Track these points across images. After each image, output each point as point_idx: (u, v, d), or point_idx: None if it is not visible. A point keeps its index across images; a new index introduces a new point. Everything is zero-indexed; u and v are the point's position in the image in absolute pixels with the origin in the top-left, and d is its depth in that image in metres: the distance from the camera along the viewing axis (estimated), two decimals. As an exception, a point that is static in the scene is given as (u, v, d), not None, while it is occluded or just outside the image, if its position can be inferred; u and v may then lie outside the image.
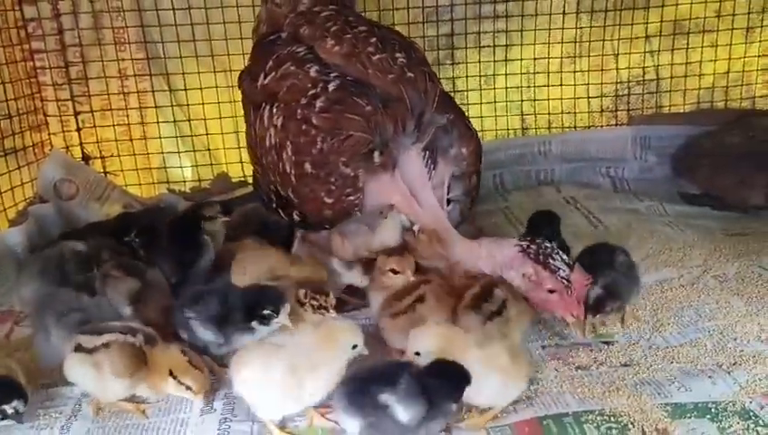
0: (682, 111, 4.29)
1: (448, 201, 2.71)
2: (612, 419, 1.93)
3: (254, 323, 2.15)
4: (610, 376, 2.14)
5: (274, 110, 2.65)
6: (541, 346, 2.35)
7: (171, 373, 2.02)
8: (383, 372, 1.84)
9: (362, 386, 1.81)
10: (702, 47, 4.18)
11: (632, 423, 1.90)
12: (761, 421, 1.87)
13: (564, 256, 2.27)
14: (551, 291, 2.22)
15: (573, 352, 2.29)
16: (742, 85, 4.28)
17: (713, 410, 1.94)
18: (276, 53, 2.77)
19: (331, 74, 2.55)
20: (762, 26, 4.15)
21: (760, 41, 4.20)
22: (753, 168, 3.66)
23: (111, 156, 4.03)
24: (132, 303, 2.41)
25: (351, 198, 2.49)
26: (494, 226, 3.53)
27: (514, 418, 1.97)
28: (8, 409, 1.95)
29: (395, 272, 2.37)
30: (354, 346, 1.95)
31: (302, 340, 1.98)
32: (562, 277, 2.20)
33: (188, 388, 2.01)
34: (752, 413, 1.91)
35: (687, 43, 4.18)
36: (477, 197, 2.92)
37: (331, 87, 2.52)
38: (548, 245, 2.28)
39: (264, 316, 2.13)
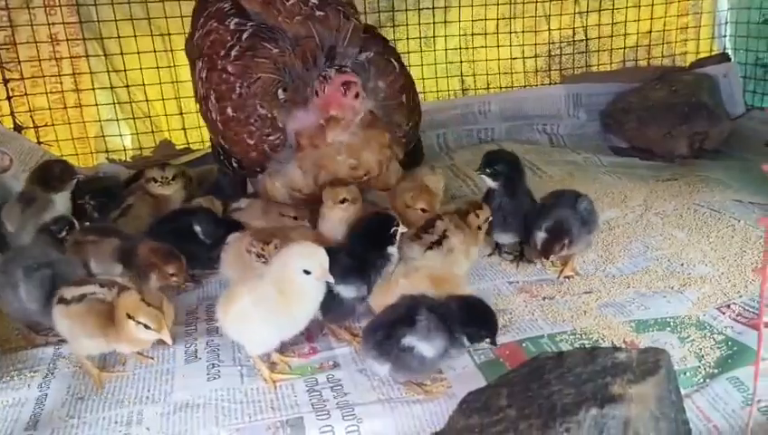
0: (609, 69, 4.52)
1: None
2: (584, 336, 2.09)
3: (389, 248, 2.15)
4: (575, 302, 2.31)
5: (201, 64, 2.81)
6: (507, 282, 2.49)
7: (128, 316, 1.97)
8: (401, 314, 1.88)
9: (386, 333, 1.85)
10: (626, 8, 4.43)
11: (602, 338, 2.06)
12: (715, 330, 2.08)
13: (345, 67, 2.42)
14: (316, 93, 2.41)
15: (538, 286, 2.46)
16: (663, 44, 4.56)
17: (671, 323, 2.13)
18: (207, 10, 2.88)
19: (248, 24, 2.68)
20: (680, -13, 4.44)
21: (678, 1, 4.48)
22: (677, 121, 3.92)
23: (45, 125, 3.86)
24: (121, 260, 2.36)
25: (272, 138, 2.59)
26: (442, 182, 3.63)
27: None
28: None
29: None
30: (306, 272, 1.92)
31: (273, 267, 2.00)
32: (321, 75, 2.40)
33: (147, 326, 1.96)
34: (707, 324, 2.11)
35: (613, 4, 4.43)
36: (416, 132, 3.00)
37: (244, 36, 2.65)
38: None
39: (393, 234, 2.15)
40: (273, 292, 1.92)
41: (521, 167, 2.70)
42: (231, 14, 2.76)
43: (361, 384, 1.95)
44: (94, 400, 1.96)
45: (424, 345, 1.82)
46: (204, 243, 2.60)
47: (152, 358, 2.15)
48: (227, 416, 1.84)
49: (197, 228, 2.63)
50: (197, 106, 2.98)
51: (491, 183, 2.60)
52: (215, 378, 2.01)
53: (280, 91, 2.56)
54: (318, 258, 1.93)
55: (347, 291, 2.07)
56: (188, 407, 1.89)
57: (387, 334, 1.85)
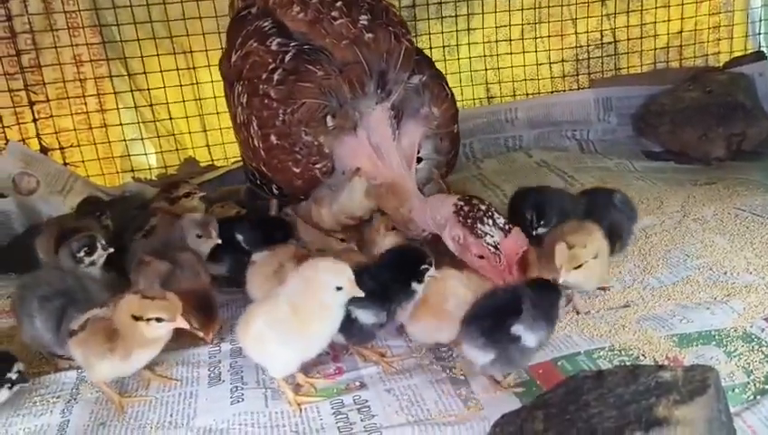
0: (640, 71, 4.40)
1: (419, 160, 2.68)
2: (623, 352, 1.98)
3: (414, 284, 2.02)
4: (612, 317, 2.20)
5: (240, 88, 2.66)
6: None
7: (135, 317, 1.91)
8: (507, 301, 1.86)
9: (495, 321, 1.84)
10: (656, 8, 4.31)
11: (643, 355, 1.95)
12: (764, 342, 1.96)
13: (500, 220, 2.11)
14: (480, 257, 2.11)
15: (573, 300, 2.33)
16: (695, 44, 4.43)
17: (716, 336, 2.01)
18: (245, 29, 2.73)
19: (291, 44, 2.53)
20: (711, -15, 4.31)
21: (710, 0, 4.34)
22: (712, 122, 3.80)
23: (71, 146, 3.87)
24: (163, 286, 2.28)
25: (318, 165, 2.50)
26: (471, 192, 3.55)
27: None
28: (12, 375, 1.93)
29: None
30: (338, 288, 1.86)
31: (291, 286, 1.93)
32: (488, 244, 2.07)
33: (159, 319, 1.91)
34: (754, 336, 1.99)
35: (642, 5, 4.31)
36: (456, 158, 2.92)
37: (287, 58, 2.50)
38: (482, 207, 2.13)
39: (422, 272, 2.01)
40: (288, 312, 1.86)
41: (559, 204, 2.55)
42: (272, 33, 2.60)
43: (389, 405, 1.87)
44: (116, 426, 1.91)
45: (529, 335, 1.82)
46: (248, 251, 2.54)
47: (178, 380, 2.10)
48: (251, 441, 1.78)
49: (239, 237, 2.61)
50: (236, 130, 2.84)
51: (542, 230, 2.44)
52: (238, 401, 1.95)
53: (329, 118, 2.44)
54: (347, 273, 1.87)
55: (365, 316, 1.98)
56: (211, 432, 1.83)
57: (496, 323, 1.83)
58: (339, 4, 2.57)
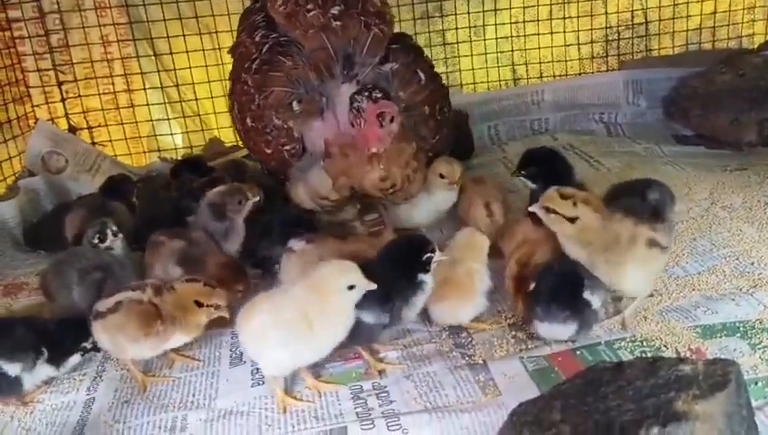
0: (671, 53, 4.29)
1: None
2: (645, 343, 1.97)
3: (420, 276, 1.99)
4: (636, 307, 2.16)
5: (231, 75, 2.96)
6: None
7: (197, 303, 2.00)
8: (568, 273, 1.98)
9: (569, 293, 1.95)
10: (689, -12, 4.19)
11: (665, 346, 1.93)
12: (789, 335, 1.91)
13: (376, 93, 2.33)
14: (352, 125, 2.36)
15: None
16: (728, 25, 4.31)
17: (741, 328, 1.98)
18: (245, 21, 2.95)
19: (271, 36, 2.72)
20: (747, -36, 4.17)
21: (745, -21, 4.22)
22: (745, 106, 3.69)
23: (99, 126, 3.94)
24: (181, 263, 2.36)
25: (287, 147, 2.64)
26: (495, 176, 3.51)
27: (547, 350, 1.99)
28: (87, 345, 2.06)
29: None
30: (351, 287, 1.83)
31: (301, 292, 1.87)
32: (354, 108, 2.33)
33: (217, 307, 2.02)
34: (780, 329, 1.95)
35: (674, -16, 4.19)
36: (443, 143, 2.86)
37: (264, 49, 2.70)
38: (369, 86, 2.37)
39: (426, 261, 1.99)
40: (296, 315, 1.80)
41: (562, 165, 2.53)
42: (260, 26, 2.80)
43: (408, 392, 1.89)
44: (140, 404, 1.96)
45: (594, 298, 1.96)
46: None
47: (200, 360, 2.14)
48: (270, 425, 1.81)
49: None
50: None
51: (530, 184, 2.49)
52: (258, 384, 1.98)
53: (295, 103, 2.59)
54: (356, 271, 1.84)
55: (365, 316, 1.92)
56: (232, 414, 1.86)
57: (571, 294, 1.94)
58: None
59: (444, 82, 3.01)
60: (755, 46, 4.28)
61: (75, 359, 2.07)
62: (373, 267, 1.92)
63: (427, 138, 2.72)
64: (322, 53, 2.58)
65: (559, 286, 1.97)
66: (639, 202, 2.27)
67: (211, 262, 2.36)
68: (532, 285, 2.00)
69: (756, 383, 1.74)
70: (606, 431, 1.36)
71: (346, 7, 2.65)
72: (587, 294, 1.95)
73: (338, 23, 2.61)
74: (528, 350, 1.99)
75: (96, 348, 2.07)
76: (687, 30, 4.29)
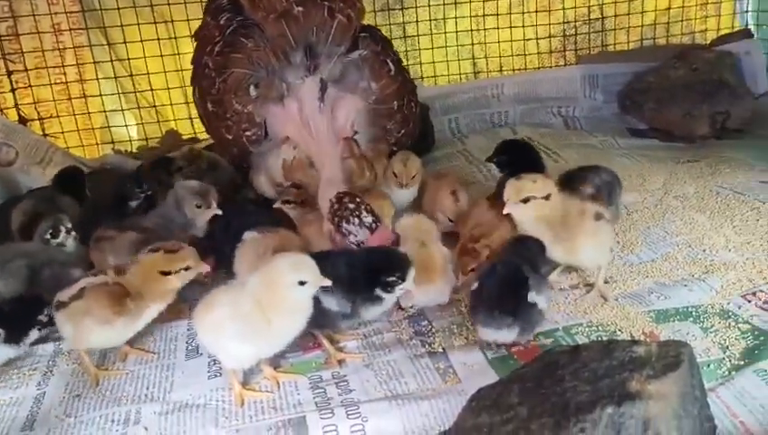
0: (627, 48, 4.38)
1: (356, 133, 2.69)
2: (600, 328, 1.99)
3: (378, 291, 1.93)
4: (591, 293, 2.19)
5: (194, 61, 2.88)
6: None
7: (163, 272, 1.95)
8: (511, 274, 1.89)
9: (516, 297, 1.86)
10: (644, -16, 4.27)
11: (620, 330, 1.97)
12: (740, 319, 1.97)
13: (367, 218, 2.14)
14: None
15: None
16: (682, 21, 4.41)
17: (693, 313, 2.02)
18: (214, 3, 2.85)
19: (236, 19, 2.66)
20: (699, -39, 4.27)
21: (698, -24, 4.32)
22: (697, 100, 3.78)
23: (50, 117, 3.82)
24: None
25: (248, 133, 2.60)
26: (455, 168, 3.53)
27: (506, 337, 2.00)
28: (43, 317, 2.05)
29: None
30: (302, 282, 1.77)
31: (256, 283, 1.81)
32: (352, 243, 2.14)
33: (187, 268, 1.97)
34: (731, 313, 2.00)
35: (630, -19, 4.26)
36: (410, 137, 2.89)
37: (227, 32, 2.64)
38: (351, 205, 2.15)
39: (389, 283, 1.92)
40: (252, 308, 1.75)
41: (533, 157, 2.60)
42: (226, 9, 2.74)
43: (368, 381, 1.88)
44: (92, 397, 1.90)
45: (540, 298, 1.89)
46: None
47: (155, 353, 2.09)
48: (228, 417, 1.77)
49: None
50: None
51: (498, 171, 2.57)
52: (215, 376, 1.94)
53: (252, 87, 2.55)
54: (309, 265, 1.79)
55: (328, 301, 1.89)
56: (188, 407, 1.82)
57: (515, 298, 1.86)
58: None
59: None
60: (708, 42, 4.38)
61: (34, 334, 2.07)
62: (351, 258, 1.91)
63: (392, 131, 2.72)
64: (281, 40, 2.54)
65: (502, 291, 1.88)
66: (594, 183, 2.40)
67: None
68: (475, 285, 1.94)
69: (709, 366, 1.78)
70: (562, 412, 1.37)
71: None
72: (532, 296, 1.87)
73: (300, 8, 2.56)
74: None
75: (52, 322, 2.03)
76: (642, 26, 4.37)
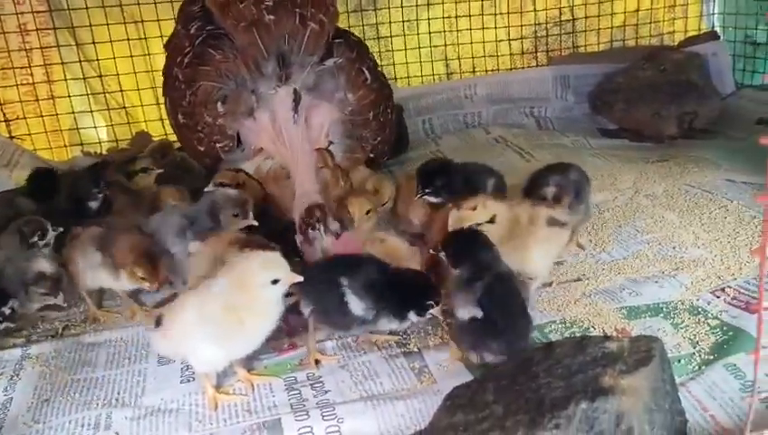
0: (597, 49, 4.43)
1: (330, 142, 2.66)
2: (574, 325, 2.01)
3: (411, 313, 1.88)
4: (565, 291, 2.23)
5: (164, 69, 2.84)
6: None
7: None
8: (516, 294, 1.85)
9: (523, 320, 1.82)
10: (613, -14, 4.33)
11: (593, 327, 1.99)
12: (710, 314, 2.00)
13: (333, 225, 2.18)
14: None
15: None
16: (650, 23, 4.47)
17: (664, 309, 2.05)
18: (185, 11, 2.82)
19: (206, 29, 2.61)
20: (667, -36, 4.35)
21: (666, -21, 4.39)
22: (666, 100, 3.83)
23: (17, 118, 3.73)
24: (100, 248, 2.26)
25: (221, 144, 2.57)
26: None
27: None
28: (6, 310, 2.03)
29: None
30: (275, 281, 1.75)
31: (224, 282, 1.77)
32: (318, 249, 2.18)
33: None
34: (701, 309, 2.04)
35: (599, -17, 4.32)
36: (386, 145, 2.87)
37: (197, 42, 2.59)
38: (318, 214, 2.19)
39: (425, 307, 1.87)
40: (221, 309, 1.72)
41: (455, 173, 2.51)
42: (197, 18, 2.68)
43: (343, 381, 1.87)
44: (61, 402, 1.87)
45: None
46: None
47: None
48: (201, 421, 1.75)
49: None
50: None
51: (435, 200, 2.43)
52: (188, 380, 1.92)
53: (219, 103, 2.52)
54: (280, 263, 1.77)
55: (355, 305, 1.84)
56: (160, 411, 1.80)
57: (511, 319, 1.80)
58: None
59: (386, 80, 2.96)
60: (676, 43, 4.45)
61: None
62: (390, 269, 1.89)
63: (368, 139, 2.69)
64: (252, 50, 2.48)
65: (507, 322, 1.79)
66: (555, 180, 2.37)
67: (122, 243, 2.24)
68: (475, 314, 1.80)
69: (680, 361, 1.81)
70: (537, 409, 1.38)
71: None
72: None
73: (271, 17, 2.49)
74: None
75: (12, 316, 2.05)
76: (612, 27, 4.43)
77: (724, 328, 1.93)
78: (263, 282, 1.74)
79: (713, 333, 1.92)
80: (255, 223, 2.32)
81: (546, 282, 2.24)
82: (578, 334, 1.94)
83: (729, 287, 2.12)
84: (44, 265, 2.20)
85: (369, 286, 1.84)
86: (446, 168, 2.52)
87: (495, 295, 1.80)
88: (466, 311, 1.80)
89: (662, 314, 2.02)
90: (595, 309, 2.08)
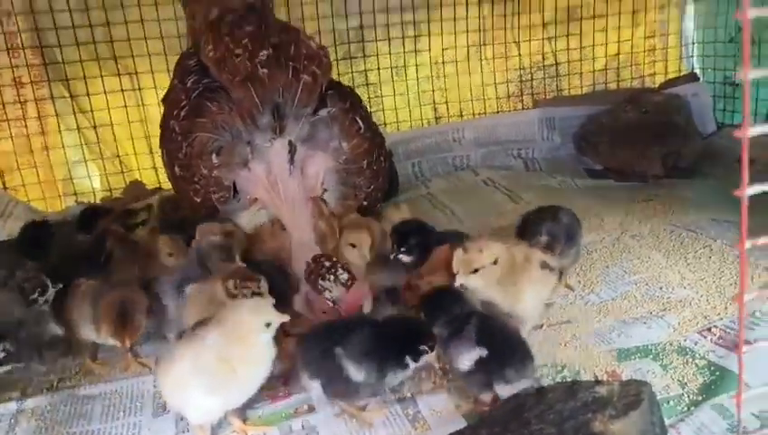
0: (580, 92, 4.55)
1: (325, 191, 2.69)
2: (565, 369, 2.04)
3: (408, 359, 1.88)
4: (555, 333, 2.26)
5: (162, 123, 2.87)
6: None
7: None
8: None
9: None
10: (594, 32, 4.47)
11: (584, 369, 2.01)
12: (697, 355, 2.04)
13: (342, 275, 2.19)
14: (323, 311, 2.22)
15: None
16: (631, 66, 4.61)
17: (653, 350, 2.09)
18: (181, 66, 2.89)
19: (202, 82, 2.66)
20: (646, 9, 4.50)
21: (645, 23, 4.53)
22: (649, 141, 3.92)
23: (11, 170, 3.77)
24: (92, 304, 2.27)
25: (216, 195, 2.60)
26: (420, 213, 3.58)
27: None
28: None
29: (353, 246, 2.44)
30: (268, 324, 1.81)
31: (216, 333, 1.81)
32: (328, 299, 2.19)
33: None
34: (688, 350, 2.07)
35: (580, 29, 4.46)
36: (379, 192, 2.90)
37: (193, 96, 2.64)
38: (327, 264, 2.22)
39: (420, 351, 1.88)
40: (214, 360, 1.75)
41: (428, 232, 2.56)
42: (193, 71, 2.74)
43: (338, 430, 1.88)
44: (56, 457, 1.87)
45: None
46: None
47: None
48: (196, 474, 1.76)
49: None
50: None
51: (407, 259, 2.45)
52: (183, 432, 1.93)
53: (213, 156, 2.55)
54: (267, 306, 1.83)
55: (354, 372, 1.85)
56: (156, 463, 1.80)
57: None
58: (245, 41, 2.65)
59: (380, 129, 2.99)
60: (657, 85, 4.58)
61: None
62: (368, 330, 1.90)
63: (361, 187, 2.72)
64: (248, 103, 2.52)
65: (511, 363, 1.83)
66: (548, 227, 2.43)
67: (106, 300, 2.25)
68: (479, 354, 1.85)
69: (669, 402, 1.84)
70: (529, 456, 1.40)
71: (275, 51, 2.59)
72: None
73: (265, 70, 2.53)
74: (454, 381, 2.02)
75: (9, 359, 2.05)
76: (594, 71, 4.55)
77: (712, 368, 1.96)
78: (257, 328, 1.78)
79: (700, 373, 1.95)
80: (243, 265, 2.35)
81: (537, 324, 2.28)
82: (569, 378, 1.97)
83: (715, 327, 2.15)
84: (56, 327, 2.22)
85: (364, 352, 1.86)
86: (421, 229, 2.56)
87: (489, 328, 1.89)
88: (468, 358, 1.84)
89: (651, 356, 2.05)
90: (586, 352, 2.11)
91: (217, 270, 2.31)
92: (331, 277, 2.17)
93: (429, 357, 1.91)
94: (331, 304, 2.18)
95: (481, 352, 1.83)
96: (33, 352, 2.18)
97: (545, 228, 2.41)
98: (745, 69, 1.05)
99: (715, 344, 2.07)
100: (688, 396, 1.86)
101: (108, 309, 2.19)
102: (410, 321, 2.01)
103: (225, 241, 2.41)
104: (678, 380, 1.93)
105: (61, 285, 2.40)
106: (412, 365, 1.90)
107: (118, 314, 2.18)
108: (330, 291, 2.17)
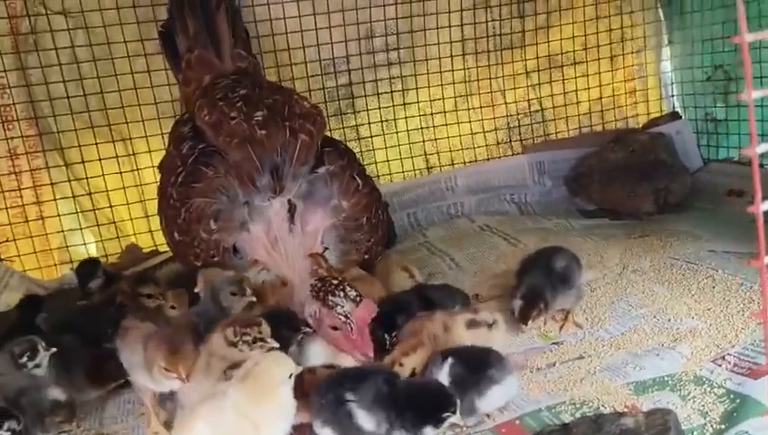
0: (567, 136, 4.64)
1: (326, 249, 2.68)
2: (584, 404, 2.02)
3: (428, 429, 1.86)
4: (569, 370, 2.25)
5: (159, 191, 2.90)
6: (497, 355, 2.41)
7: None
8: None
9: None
10: (575, 77, 4.59)
11: (603, 405, 1.99)
12: (715, 383, 2.03)
13: (351, 292, 2.21)
14: (333, 328, 2.21)
15: (529, 357, 2.38)
16: (614, 108, 4.71)
17: (669, 381, 2.08)
18: (176, 133, 2.94)
19: (198, 147, 2.69)
20: (623, 54, 4.64)
21: (624, 67, 4.67)
22: (638, 179, 4.00)
23: (6, 241, 3.74)
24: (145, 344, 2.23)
25: (216, 259, 2.59)
26: (418, 260, 3.60)
27: (491, 424, 2.00)
28: (3, 433, 1.93)
29: None
30: (290, 375, 1.83)
31: (237, 391, 1.80)
32: (339, 314, 2.17)
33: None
34: (705, 379, 2.06)
35: (563, 75, 4.58)
36: (378, 246, 2.92)
37: (189, 161, 2.66)
38: (334, 282, 2.25)
39: (443, 419, 1.86)
40: (236, 418, 1.73)
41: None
42: (188, 137, 2.77)
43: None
44: None
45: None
46: None
47: None
48: None
49: None
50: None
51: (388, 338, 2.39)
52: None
53: (211, 221, 2.56)
54: (285, 357, 1.86)
55: (366, 421, 1.83)
56: None
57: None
58: (239, 104, 2.71)
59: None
60: (641, 125, 4.69)
61: None
62: (399, 387, 1.91)
63: (361, 241, 2.73)
64: (247, 165, 2.54)
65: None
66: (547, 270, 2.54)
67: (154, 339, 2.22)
68: None
69: (692, 433, 1.81)
70: (564, 492, 1.38)
71: (270, 112, 2.63)
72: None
73: (262, 132, 2.57)
74: (472, 426, 1.99)
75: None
76: (579, 114, 4.65)
77: (731, 396, 1.95)
78: (282, 379, 1.78)
79: (720, 402, 1.94)
80: (254, 299, 2.37)
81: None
82: (589, 413, 1.95)
83: (729, 355, 2.15)
84: (57, 392, 2.16)
85: (379, 401, 1.84)
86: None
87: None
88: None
89: (669, 387, 2.04)
90: (602, 387, 2.09)
91: (232, 307, 2.34)
92: (341, 293, 2.18)
93: (454, 419, 1.88)
94: (342, 319, 2.16)
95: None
96: (36, 421, 2.11)
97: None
98: (749, 90, 1.09)
99: (731, 372, 2.07)
100: (711, 425, 1.84)
101: (158, 342, 2.14)
102: (434, 384, 1.97)
103: (235, 275, 2.43)
104: (699, 409, 1.92)
105: (54, 350, 2.35)
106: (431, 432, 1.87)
107: (168, 346, 2.12)
108: (341, 306, 2.16)
